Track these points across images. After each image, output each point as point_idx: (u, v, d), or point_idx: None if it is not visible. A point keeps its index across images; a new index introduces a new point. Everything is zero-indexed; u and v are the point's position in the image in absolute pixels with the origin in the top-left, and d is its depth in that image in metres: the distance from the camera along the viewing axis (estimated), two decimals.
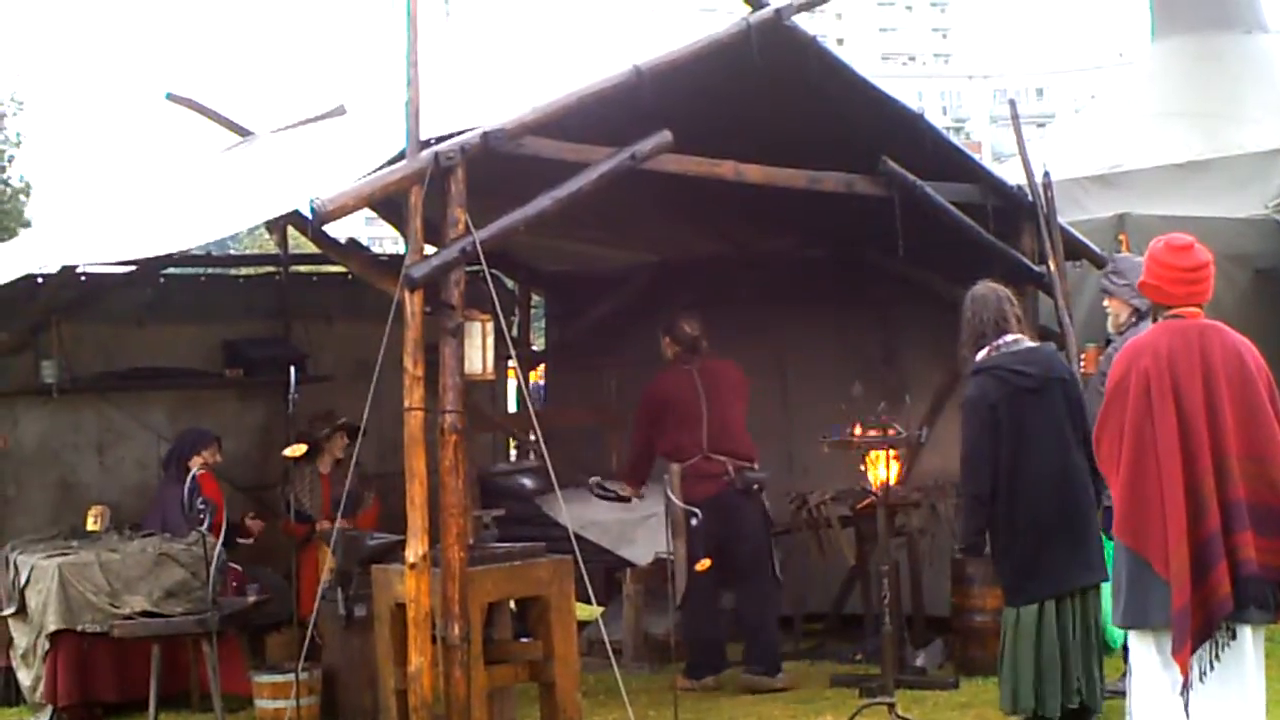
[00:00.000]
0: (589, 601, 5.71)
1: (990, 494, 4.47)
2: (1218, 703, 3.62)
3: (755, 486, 6.12)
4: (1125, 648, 4.16)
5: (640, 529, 6.90)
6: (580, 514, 6.50)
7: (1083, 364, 6.11)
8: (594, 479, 6.55)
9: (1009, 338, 4.61)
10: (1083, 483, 4.50)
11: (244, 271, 8.10)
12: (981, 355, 4.62)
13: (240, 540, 6.47)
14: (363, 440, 5.36)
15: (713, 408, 6.13)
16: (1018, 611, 4.51)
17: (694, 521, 5.54)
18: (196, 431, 6.67)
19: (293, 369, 5.67)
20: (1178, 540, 3.57)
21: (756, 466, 6.21)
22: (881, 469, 5.96)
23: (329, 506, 6.55)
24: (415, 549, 4.58)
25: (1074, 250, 6.67)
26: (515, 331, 7.92)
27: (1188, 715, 3.61)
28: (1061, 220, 6.64)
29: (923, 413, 6.79)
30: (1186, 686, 3.59)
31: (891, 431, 5.59)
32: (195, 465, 6.29)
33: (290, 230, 6.56)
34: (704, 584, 5.97)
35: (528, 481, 7.22)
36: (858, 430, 5.67)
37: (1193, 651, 3.57)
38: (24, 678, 6.02)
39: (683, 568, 5.97)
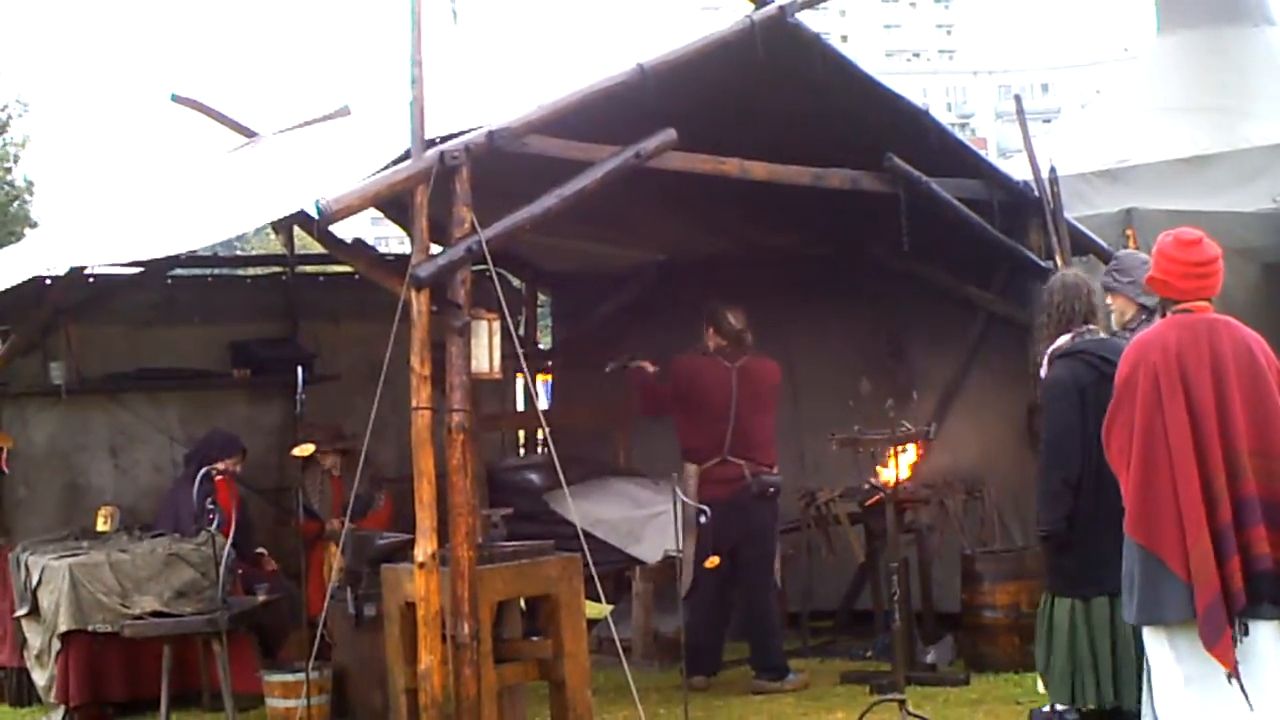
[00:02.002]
0: (598, 600, 5.71)
1: (1078, 480, 4.33)
2: (1238, 704, 3.60)
3: (771, 490, 6.06)
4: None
5: (648, 527, 6.90)
6: (588, 512, 6.50)
7: None
8: (611, 365, 6.40)
9: (1091, 326, 4.53)
10: None
11: (251, 272, 8.11)
12: (1063, 341, 4.49)
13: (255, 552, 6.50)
14: (382, 443, 5.36)
15: (740, 411, 6.03)
16: (1088, 604, 4.35)
17: (702, 519, 5.53)
18: (226, 436, 6.65)
19: (300, 369, 5.68)
20: (1198, 533, 3.53)
21: (776, 471, 6.15)
22: (893, 465, 5.95)
23: (338, 507, 6.57)
24: (424, 548, 4.58)
25: (1081, 246, 6.66)
26: (522, 330, 7.92)
27: (1250, 704, 3.54)
28: (1068, 216, 6.62)
29: (931, 408, 6.79)
30: (1236, 676, 3.52)
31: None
32: (216, 468, 6.30)
33: (296, 230, 6.57)
34: (708, 584, 5.96)
35: (535, 477, 7.22)
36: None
37: (1244, 633, 3.52)
38: (38, 678, 6.04)
39: (689, 564, 5.96)
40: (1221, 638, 3.52)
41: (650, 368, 6.25)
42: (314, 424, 6.64)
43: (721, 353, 6.14)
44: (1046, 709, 4.51)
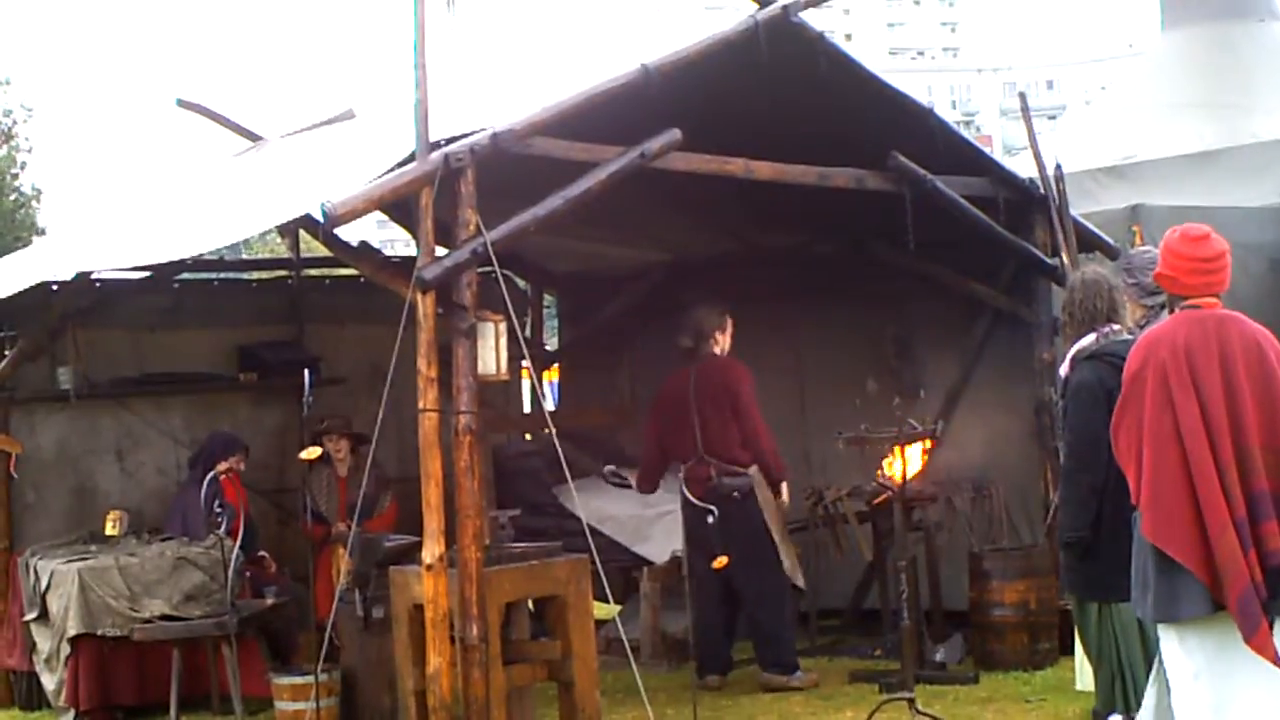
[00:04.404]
0: (606, 600, 5.70)
1: (1104, 485, 4.25)
2: (1247, 696, 3.58)
3: (734, 494, 6.01)
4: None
5: (655, 526, 6.90)
6: (597, 508, 6.50)
7: None
8: (608, 467, 6.51)
9: (1115, 326, 4.45)
10: None
11: (257, 276, 8.12)
12: (1087, 341, 4.42)
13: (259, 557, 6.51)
14: (382, 444, 5.37)
15: (703, 411, 6.07)
16: (1114, 609, 4.30)
17: (709, 519, 5.53)
18: (226, 436, 6.68)
19: (307, 372, 5.68)
20: (1222, 526, 3.50)
21: (750, 472, 6.10)
22: (899, 464, 5.93)
23: (345, 509, 6.58)
24: (432, 550, 4.59)
25: (1087, 242, 6.65)
26: (528, 332, 7.92)
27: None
28: (1074, 212, 6.61)
29: (937, 407, 6.77)
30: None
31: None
32: (220, 469, 6.32)
33: (302, 234, 6.58)
34: (709, 585, 5.96)
35: (541, 464, 7.21)
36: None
37: (1271, 628, 3.48)
38: (47, 682, 6.05)
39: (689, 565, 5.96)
40: (1259, 629, 3.47)
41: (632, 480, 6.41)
42: (324, 415, 6.66)
43: (685, 357, 6.21)
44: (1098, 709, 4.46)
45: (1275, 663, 3.49)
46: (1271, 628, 3.55)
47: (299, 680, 5.41)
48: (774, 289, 7.29)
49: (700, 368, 6.17)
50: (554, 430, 6.18)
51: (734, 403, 6.09)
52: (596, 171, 5.03)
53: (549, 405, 8.04)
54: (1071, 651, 5.62)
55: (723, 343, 6.20)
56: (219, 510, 5.75)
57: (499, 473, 6.99)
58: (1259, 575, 3.51)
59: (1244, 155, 7.91)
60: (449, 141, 4.74)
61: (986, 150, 6.96)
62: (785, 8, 5.49)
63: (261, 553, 6.53)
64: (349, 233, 5.19)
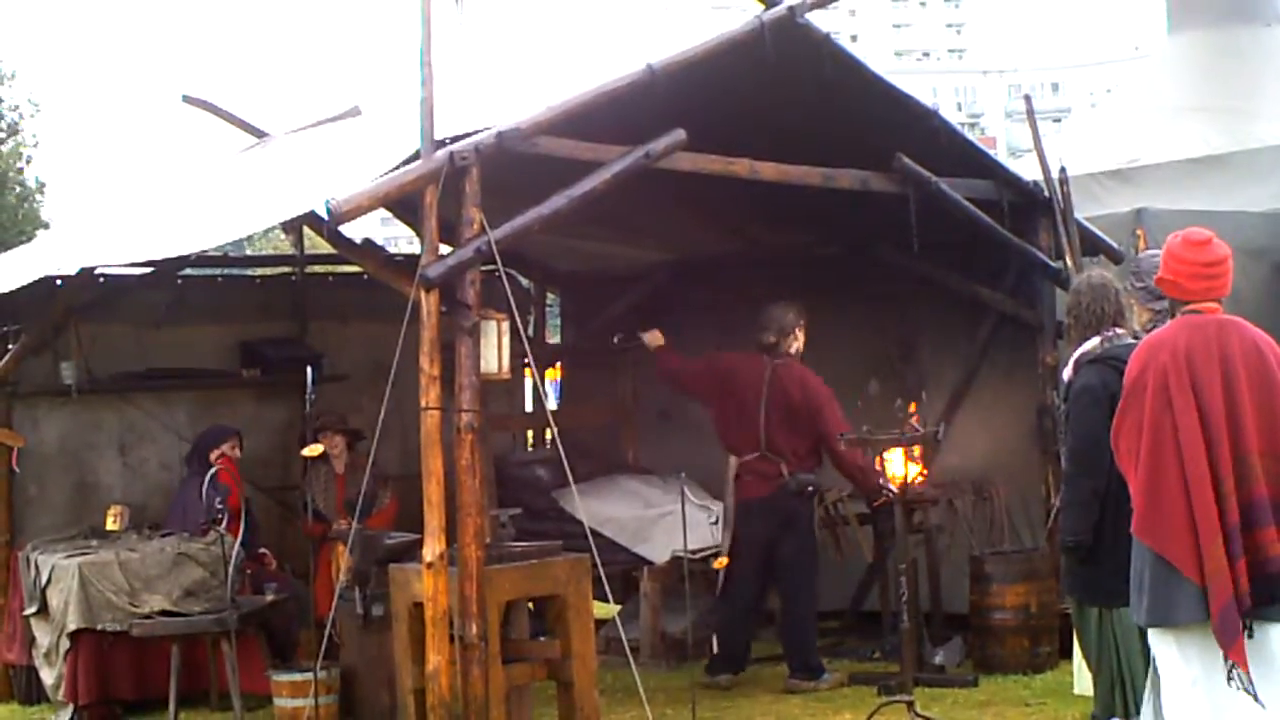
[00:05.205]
0: (606, 600, 5.71)
1: (1105, 489, 4.22)
2: (1243, 703, 3.58)
3: (809, 489, 6.06)
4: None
5: (656, 527, 6.89)
6: (597, 510, 6.50)
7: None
8: (618, 336, 6.50)
9: (1119, 330, 4.44)
10: None
11: (260, 272, 8.12)
12: (1091, 345, 4.41)
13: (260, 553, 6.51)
14: (384, 441, 5.37)
15: (772, 412, 6.02)
16: (1115, 613, 4.27)
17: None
18: (217, 427, 6.71)
19: (310, 369, 5.69)
20: (1212, 536, 3.52)
21: (815, 472, 6.12)
22: (899, 467, 5.93)
23: (343, 506, 6.58)
24: (432, 548, 4.59)
25: (1091, 246, 6.65)
26: (531, 330, 7.92)
27: (1261, 704, 3.54)
28: (1078, 216, 6.61)
29: (940, 409, 6.77)
30: (1250, 680, 3.52)
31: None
32: (213, 456, 6.32)
33: (306, 230, 6.58)
34: (740, 583, 5.96)
35: (543, 473, 7.22)
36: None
37: (1250, 636, 3.51)
38: (46, 676, 6.06)
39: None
40: (1237, 640, 3.51)
41: (658, 339, 6.30)
42: (319, 412, 6.66)
43: (762, 348, 6.16)
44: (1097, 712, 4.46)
45: (1246, 669, 3.50)
46: (1251, 635, 3.56)
47: (298, 677, 5.41)
48: (777, 289, 7.27)
49: (778, 368, 6.09)
50: (555, 430, 6.16)
51: (815, 419, 6.03)
52: (601, 171, 5.04)
53: (551, 404, 8.04)
54: (1071, 655, 5.63)
55: (799, 341, 6.18)
56: (219, 507, 5.75)
57: (500, 480, 6.99)
58: (1244, 585, 3.53)
59: (1248, 160, 7.90)
60: (454, 140, 4.75)
61: (991, 152, 6.96)
62: (791, 8, 5.49)
63: (262, 549, 6.54)
64: (353, 230, 5.19)
